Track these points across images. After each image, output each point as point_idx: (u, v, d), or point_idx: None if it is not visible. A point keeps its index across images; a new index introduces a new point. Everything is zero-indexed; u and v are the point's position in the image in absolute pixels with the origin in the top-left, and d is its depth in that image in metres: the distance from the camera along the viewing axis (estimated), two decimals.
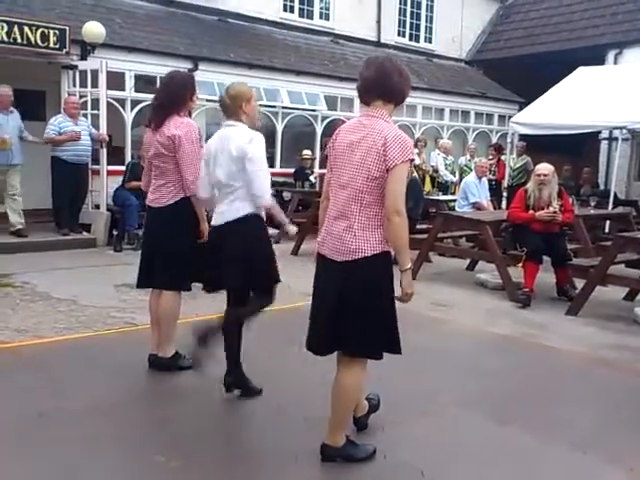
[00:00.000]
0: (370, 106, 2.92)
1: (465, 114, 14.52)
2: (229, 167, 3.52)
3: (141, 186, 4.43)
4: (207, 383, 3.86)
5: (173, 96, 3.97)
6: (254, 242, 3.58)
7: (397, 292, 2.91)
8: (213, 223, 3.65)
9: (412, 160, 2.85)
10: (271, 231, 11.14)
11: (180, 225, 3.95)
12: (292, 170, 11.28)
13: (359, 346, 2.92)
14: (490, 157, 11.85)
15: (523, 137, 11.54)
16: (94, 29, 8.83)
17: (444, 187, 11.69)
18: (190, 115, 10.10)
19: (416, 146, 12.02)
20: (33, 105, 8.15)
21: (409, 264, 2.86)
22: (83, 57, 9.08)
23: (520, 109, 13.42)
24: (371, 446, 3.14)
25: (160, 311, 4.07)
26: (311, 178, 10.75)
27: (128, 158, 9.42)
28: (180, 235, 3.95)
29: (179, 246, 3.94)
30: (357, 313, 2.85)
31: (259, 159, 3.51)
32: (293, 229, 4.00)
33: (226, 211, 3.57)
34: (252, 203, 3.54)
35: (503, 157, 11.93)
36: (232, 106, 3.58)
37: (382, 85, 2.88)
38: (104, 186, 8.85)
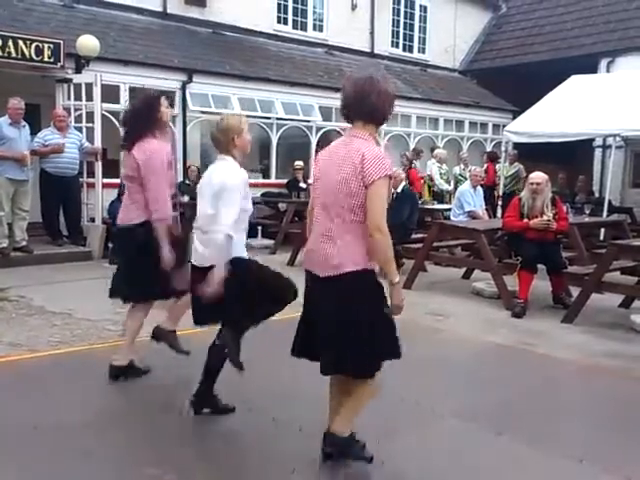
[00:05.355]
0: (353, 125, 2.98)
1: (459, 123, 14.58)
2: (212, 202, 3.44)
3: None
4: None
5: (139, 119, 4.05)
6: (232, 290, 3.40)
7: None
8: (194, 262, 3.56)
9: (390, 177, 2.87)
10: (265, 242, 11.00)
11: (139, 245, 3.98)
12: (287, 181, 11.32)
13: (350, 366, 2.92)
14: (485, 166, 11.92)
15: (517, 146, 11.59)
16: (88, 43, 8.87)
17: (439, 196, 11.73)
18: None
19: (415, 156, 12.11)
20: (28, 118, 8.17)
21: (397, 278, 2.88)
22: (78, 70, 9.11)
23: (514, 118, 13.49)
24: (369, 453, 3.14)
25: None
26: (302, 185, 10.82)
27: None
28: (139, 255, 3.98)
29: (137, 265, 4.00)
30: (341, 329, 2.87)
31: (229, 193, 3.37)
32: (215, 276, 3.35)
33: (209, 255, 3.43)
34: (236, 245, 3.42)
35: (498, 165, 12.00)
36: (223, 140, 3.48)
37: (360, 106, 2.92)
38: (99, 199, 8.86)
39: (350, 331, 2.86)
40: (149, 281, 3.99)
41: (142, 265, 3.98)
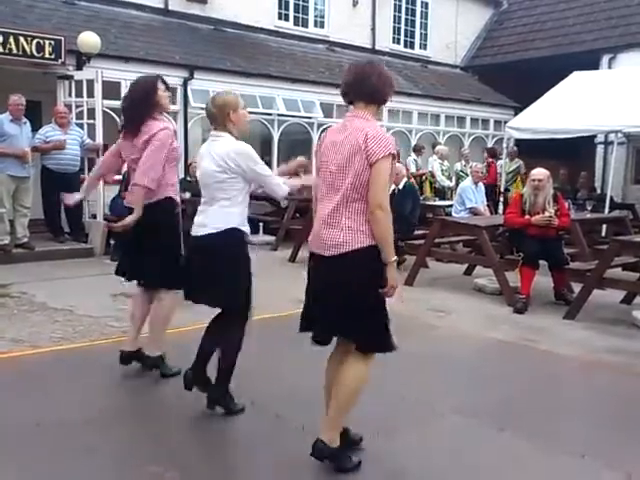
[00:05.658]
0: (354, 107, 3.00)
1: (461, 120, 14.56)
2: (212, 178, 3.47)
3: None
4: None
5: (138, 105, 4.00)
6: (229, 260, 3.49)
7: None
8: (193, 233, 3.59)
9: (394, 156, 2.87)
10: (267, 238, 11.01)
11: (153, 227, 3.95)
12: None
13: (352, 335, 2.93)
14: (486, 163, 11.92)
15: (519, 142, 11.57)
16: (89, 39, 8.87)
17: (441, 192, 11.73)
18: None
19: (417, 152, 12.10)
20: (29, 115, 8.17)
21: (393, 257, 2.88)
22: (79, 67, 9.11)
23: (515, 114, 13.45)
24: (354, 463, 3.06)
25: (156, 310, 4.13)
26: None
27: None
28: (155, 236, 3.96)
29: (154, 247, 3.96)
30: (343, 306, 2.87)
31: (260, 165, 3.49)
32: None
33: (208, 223, 3.52)
34: (236, 216, 3.49)
35: (499, 162, 11.99)
36: (219, 115, 3.52)
37: (360, 87, 2.95)
38: (100, 195, 8.85)
39: (356, 304, 2.86)
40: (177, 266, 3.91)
41: (159, 246, 3.95)
